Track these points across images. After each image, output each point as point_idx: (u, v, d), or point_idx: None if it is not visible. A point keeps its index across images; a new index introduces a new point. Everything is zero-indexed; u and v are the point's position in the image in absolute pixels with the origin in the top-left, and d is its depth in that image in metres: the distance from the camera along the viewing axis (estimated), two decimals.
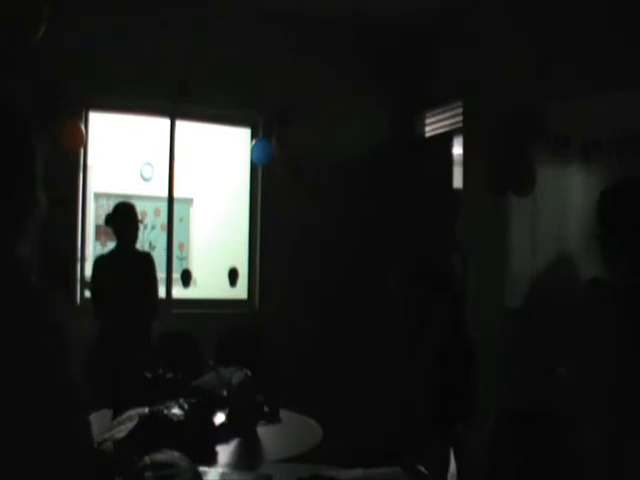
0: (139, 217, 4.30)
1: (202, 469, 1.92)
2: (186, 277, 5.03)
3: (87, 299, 4.65)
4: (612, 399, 2.50)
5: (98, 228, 5.21)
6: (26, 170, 1.07)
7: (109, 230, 4.36)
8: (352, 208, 5.18)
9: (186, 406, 2.67)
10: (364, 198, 5.21)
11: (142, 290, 4.11)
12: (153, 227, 5.16)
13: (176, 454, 1.84)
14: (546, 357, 3.68)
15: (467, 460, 3.96)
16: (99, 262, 4.18)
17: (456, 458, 4.16)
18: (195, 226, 5.51)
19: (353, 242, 5.19)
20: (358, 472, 2.06)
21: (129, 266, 4.09)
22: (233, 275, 5.08)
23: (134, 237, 4.20)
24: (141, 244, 5.44)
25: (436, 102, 5.14)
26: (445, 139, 5.21)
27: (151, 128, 5.24)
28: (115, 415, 2.61)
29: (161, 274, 4.55)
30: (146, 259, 4.25)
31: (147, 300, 4.14)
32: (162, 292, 4.67)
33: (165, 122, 5.04)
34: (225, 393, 2.90)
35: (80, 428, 1.00)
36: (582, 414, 2.53)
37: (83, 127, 4.60)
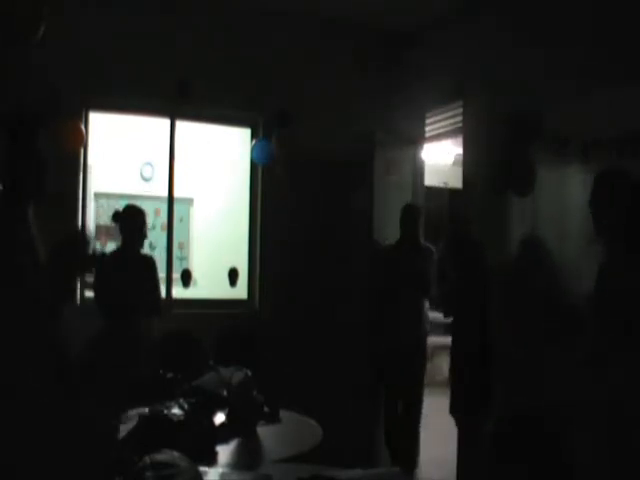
0: (147, 224, 4.19)
1: (202, 469, 1.92)
2: (186, 277, 5.03)
3: (87, 299, 4.66)
4: (611, 399, 2.50)
5: (98, 228, 5.21)
6: None
7: (110, 230, 4.35)
8: (352, 208, 5.18)
9: (186, 406, 2.67)
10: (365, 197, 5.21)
11: (143, 292, 4.10)
12: (153, 227, 5.15)
13: (176, 454, 1.84)
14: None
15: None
16: (102, 261, 4.14)
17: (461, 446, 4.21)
18: (195, 226, 5.51)
19: (353, 241, 5.18)
20: (358, 472, 2.07)
21: (131, 267, 4.07)
22: (233, 275, 5.07)
23: (140, 242, 4.14)
24: None
25: (436, 102, 5.15)
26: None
27: (151, 128, 5.24)
28: None
29: (161, 274, 4.54)
30: (148, 262, 4.23)
31: (148, 302, 4.13)
32: (162, 292, 4.66)
33: (165, 122, 5.04)
34: (225, 393, 2.90)
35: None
36: (580, 415, 2.53)
37: (83, 127, 4.60)
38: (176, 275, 5.09)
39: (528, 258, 4.07)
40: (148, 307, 4.08)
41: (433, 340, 7.20)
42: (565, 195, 3.81)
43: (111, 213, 4.22)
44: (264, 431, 2.74)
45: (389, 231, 4.90)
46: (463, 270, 4.16)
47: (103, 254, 4.19)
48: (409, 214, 4.73)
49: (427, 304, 4.74)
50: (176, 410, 2.61)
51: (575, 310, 3.26)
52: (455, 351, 4.29)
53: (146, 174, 5.48)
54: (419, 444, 4.75)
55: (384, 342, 4.63)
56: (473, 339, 3.95)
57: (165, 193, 5.05)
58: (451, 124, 5.06)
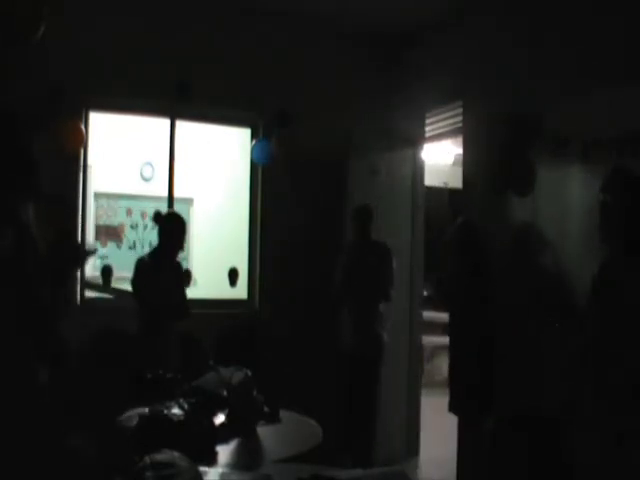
0: (186, 235, 4.22)
1: (202, 469, 1.92)
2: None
3: (87, 299, 4.66)
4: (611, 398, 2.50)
5: (98, 228, 5.22)
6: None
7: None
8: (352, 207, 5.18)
9: (186, 406, 2.67)
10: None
11: (176, 296, 4.13)
12: (153, 227, 5.16)
13: (176, 454, 1.84)
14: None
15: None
16: (141, 263, 4.12)
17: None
18: (195, 226, 5.51)
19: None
20: (358, 472, 2.07)
21: (167, 271, 4.10)
22: (233, 275, 5.08)
23: (176, 251, 4.17)
24: (141, 244, 5.45)
25: (436, 102, 5.15)
26: None
27: (151, 128, 5.24)
28: None
29: None
30: (180, 266, 4.30)
31: (179, 305, 4.15)
32: None
33: (165, 122, 5.04)
34: (225, 393, 2.90)
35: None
36: (580, 415, 2.53)
37: (83, 127, 4.60)
38: None
39: (526, 248, 4.05)
40: (179, 310, 4.11)
41: (433, 340, 7.22)
42: (565, 195, 3.81)
43: (153, 212, 4.22)
44: (264, 431, 2.74)
45: (388, 231, 4.90)
46: (465, 257, 4.13)
47: (142, 257, 4.18)
48: (357, 214, 4.69)
49: (383, 306, 4.59)
50: (176, 410, 2.61)
51: (575, 310, 3.26)
52: (454, 349, 4.28)
53: (146, 174, 5.48)
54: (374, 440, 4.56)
55: (339, 345, 4.61)
56: (472, 337, 3.95)
57: (165, 193, 5.05)
58: (451, 124, 5.06)
